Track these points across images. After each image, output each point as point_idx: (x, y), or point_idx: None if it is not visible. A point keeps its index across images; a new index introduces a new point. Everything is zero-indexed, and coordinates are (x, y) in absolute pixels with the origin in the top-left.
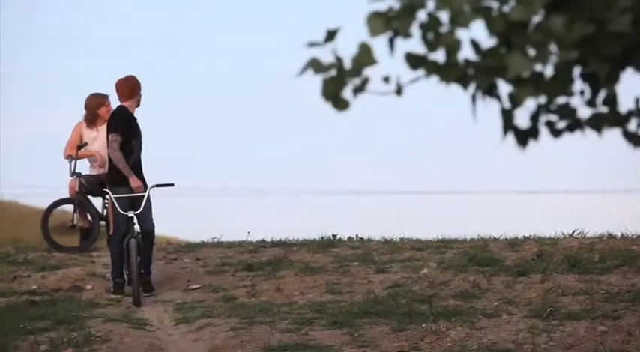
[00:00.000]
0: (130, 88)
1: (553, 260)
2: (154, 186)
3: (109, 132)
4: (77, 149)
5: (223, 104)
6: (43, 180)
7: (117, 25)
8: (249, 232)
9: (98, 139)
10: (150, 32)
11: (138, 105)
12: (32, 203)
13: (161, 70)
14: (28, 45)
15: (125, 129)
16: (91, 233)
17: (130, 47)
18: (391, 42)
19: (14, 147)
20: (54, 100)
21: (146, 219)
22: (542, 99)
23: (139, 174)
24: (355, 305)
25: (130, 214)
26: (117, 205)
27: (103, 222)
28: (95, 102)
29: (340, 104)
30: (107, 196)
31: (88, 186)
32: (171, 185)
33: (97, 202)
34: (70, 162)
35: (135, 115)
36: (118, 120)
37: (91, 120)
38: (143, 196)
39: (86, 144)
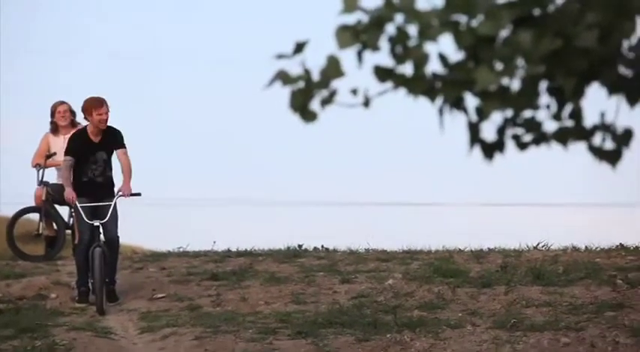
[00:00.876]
0: (82, 111)
1: (517, 272)
2: (120, 196)
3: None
4: (46, 158)
5: (189, 112)
6: (7, 189)
7: (116, 25)
8: (214, 242)
9: (64, 148)
10: (135, 41)
11: (97, 127)
12: None
13: (115, 79)
14: (26, 48)
15: (75, 152)
16: (57, 242)
17: (116, 58)
18: (359, 54)
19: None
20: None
21: (111, 228)
22: (509, 113)
23: (100, 188)
24: (320, 316)
25: (96, 223)
26: (82, 213)
27: (69, 231)
28: (51, 109)
29: (308, 116)
30: (73, 205)
31: (54, 195)
32: (138, 194)
33: (64, 211)
34: (38, 171)
35: (95, 137)
36: (69, 142)
37: (53, 128)
38: (109, 205)
39: (55, 153)
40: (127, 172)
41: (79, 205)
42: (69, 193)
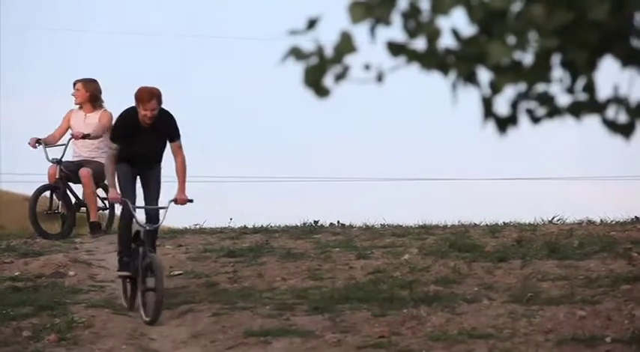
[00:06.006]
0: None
1: (533, 246)
2: (172, 202)
3: None
4: (82, 138)
5: (206, 90)
6: (23, 167)
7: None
8: (231, 218)
9: (85, 125)
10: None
11: (142, 120)
12: (13, 189)
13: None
14: (31, 33)
15: (121, 138)
16: (68, 220)
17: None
18: (372, 30)
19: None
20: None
21: (155, 223)
22: (522, 87)
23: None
24: (336, 291)
25: (148, 227)
26: (123, 178)
27: (83, 209)
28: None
29: (321, 92)
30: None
31: (67, 173)
32: (191, 201)
33: (78, 188)
34: (45, 148)
35: (144, 122)
36: (115, 124)
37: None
38: (161, 209)
39: (89, 135)
40: (182, 174)
41: (131, 207)
42: (113, 194)
